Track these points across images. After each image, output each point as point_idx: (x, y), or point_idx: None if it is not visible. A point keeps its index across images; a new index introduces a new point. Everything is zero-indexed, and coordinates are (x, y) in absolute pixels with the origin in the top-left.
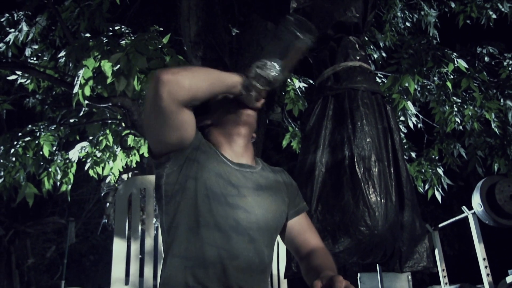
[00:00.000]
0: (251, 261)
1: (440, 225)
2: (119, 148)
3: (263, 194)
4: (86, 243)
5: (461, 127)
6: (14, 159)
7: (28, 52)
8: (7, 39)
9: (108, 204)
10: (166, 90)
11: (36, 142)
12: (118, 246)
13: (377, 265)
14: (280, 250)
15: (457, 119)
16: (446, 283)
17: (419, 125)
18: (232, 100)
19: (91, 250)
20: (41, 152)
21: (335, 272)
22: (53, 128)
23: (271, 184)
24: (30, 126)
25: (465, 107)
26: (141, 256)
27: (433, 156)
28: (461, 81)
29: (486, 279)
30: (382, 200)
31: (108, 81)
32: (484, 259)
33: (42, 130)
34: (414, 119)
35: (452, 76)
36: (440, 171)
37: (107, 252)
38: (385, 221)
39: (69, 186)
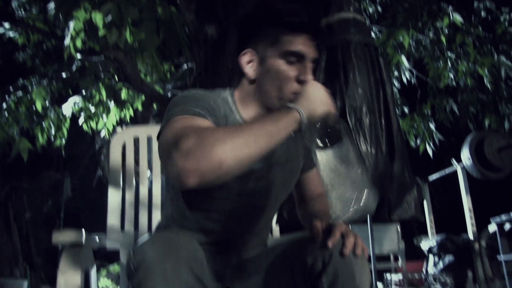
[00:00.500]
0: (254, 233)
1: (430, 178)
2: (113, 102)
3: (286, 169)
4: (82, 198)
5: (454, 83)
6: (6, 114)
7: (14, 4)
8: None
9: (102, 157)
10: (194, 182)
11: (28, 97)
12: (113, 195)
13: (368, 216)
14: None
15: (451, 75)
16: (433, 233)
17: (412, 80)
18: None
19: (87, 204)
20: (33, 107)
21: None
22: (45, 82)
23: (294, 154)
24: (21, 80)
25: (459, 62)
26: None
27: (425, 112)
28: (456, 36)
29: (470, 228)
30: (372, 150)
31: (100, 33)
32: (469, 210)
33: (34, 84)
34: (408, 74)
35: (447, 31)
36: (432, 126)
37: (103, 207)
38: (375, 170)
39: (63, 141)
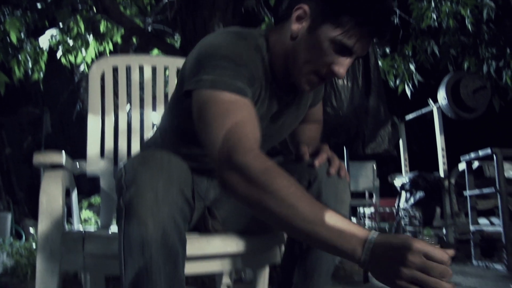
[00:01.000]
0: None
1: (406, 118)
2: (91, 36)
3: (293, 113)
4: (62, 135)
5: (436, 24)
6: None
7: None
8: None
9: (82, 90)
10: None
11: (1, 27)
12: (92, 124)
13: (344, 153)
14: None
15: (434, 15)
16: (406, 171)
17: (395, 21)
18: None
19: (67, 141)
20: (8, 39)
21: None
22: (19, 13)
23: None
24: None
25: (443, 3)
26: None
27: (406, 52)
28: None
29: (441, 166)
30: (349, 84)
31: None
32: (442, 149)
33: (7, 15)
34: None
35: None
36: (412, 67)
37: (84, 142)
38: (351, 104)
39: (41, 74)
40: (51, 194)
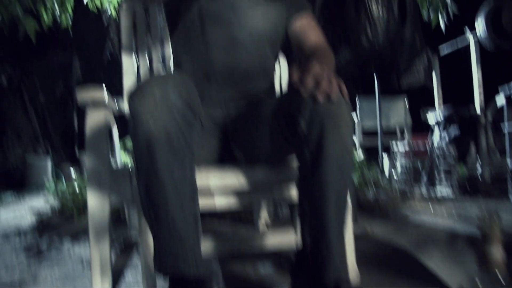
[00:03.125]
0: (250, 68)
1: (440, 50)
2: None
3: (258, 7)
4: (91, 80)
5: None
6: None
7: None
8: None
9: (111, 34)
10: None
11: None
12: (127, 59)
13: (375, 87)
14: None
15: None
16: (440, 106)
17: None
18: None
19: (98, 84)
20: None
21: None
22: None
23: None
24: None
25: None
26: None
27: None
28: None
29: (478, 101)
30: (384, 14)
31: None
32: (479, 82)
33: None
34: None
35: None
36: None
37: (115, 86)
38: (386, 35)
39: (70, 21)
40: (96, 131)
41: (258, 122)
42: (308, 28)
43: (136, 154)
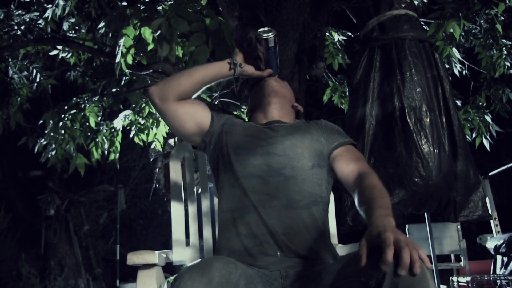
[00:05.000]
0: (291, 198)
1: (490, 174)
2: None
3: (294, 138)
4: (135, 208)
5: (511, 71)
6: (63, 131)
7: (65, 26)
8: (46, 14)
9: (157, 169)
10: (157, 97)
11: (82, 114)
12: (176, 209)
13: (426, 215)
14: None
15: (507, 63)
16: (498, 232)
17: (464, 72)
18: (255, 84)
19: (140, 214)
20: (87, 123)
21: (386, 206)
22: (96, 99)
23: (302, 129)
24: (74, 99)
25: None
26: (198, 218)
27: (480, 103)
28: None
29: None
30: (435, 150)
31: (149, 48)
32: None
33: (86, 102)
34: (459, 66)
35: (502, 18)
36: (488, 118)
37: (155, 216)
38: (439, 171)
39: (117, 155)
40: None
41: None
42: (351, 158)
43: None
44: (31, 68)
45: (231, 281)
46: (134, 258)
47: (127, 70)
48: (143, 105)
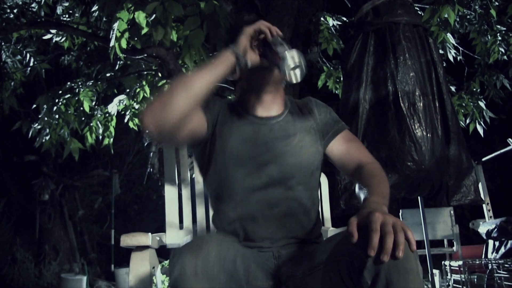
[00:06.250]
0: (291, 207)
1: (484, 159)
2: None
3: (292, 142)
4: (129, 194)
5: (505, 57)
6: (57, 116)
7: (59, 10)
8: None
9: (152, 154)
10: (154, 130)
11: (76, 98)
12: (170, 192)
13: (419, 201)
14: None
15: (501, 49)
16: (490, 217)
17: (458, 58)
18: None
19: (134, 200)
20: (81, 108)
21: (383, 194)
22: (90, 83)
23: (299, 128)
24: (69, 83)
25: (510, 35)
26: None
27: (474, 89)
28: (507, 7)
29: None
30: (428, 135)
31: (143, 32)
32: None
33: (80, 86)
34: (453, 51)
35: (497, 3)
36: (482, 104)
37: (150, 201)
38: (432, 155)
39: (111, 140)
40: (140, 273)
41: (313, 267)
42: (348, 146)
43: None
44: (24, 52)
45: (228, 258)
46: (128, 240)
47: (121, 55)
48: (138, 90)
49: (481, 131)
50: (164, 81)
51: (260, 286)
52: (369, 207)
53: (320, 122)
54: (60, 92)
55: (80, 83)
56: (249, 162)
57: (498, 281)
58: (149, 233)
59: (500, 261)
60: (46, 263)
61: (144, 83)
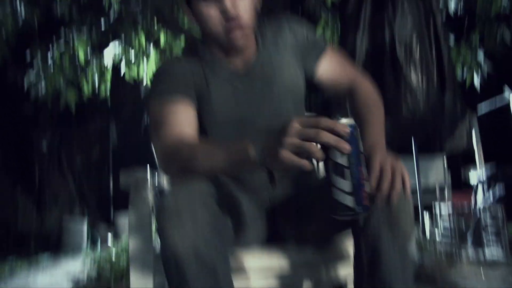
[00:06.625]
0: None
1: (478, 108)
2: (152, 47)
3: (274, 90)
4: (127, 146)
5: (507, 11)
6: (52, 66)
7: None
8: None
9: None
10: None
11: (71, 48)
12: None
13: (413, 147)
14: None
15: (503, 1)
16: (481, 164)
17: (459, 12)
18: None
19: (133, 151)
20: (77, 58)
21: (378, 121)
22: (84, 32)
23: (277, 66)
24: (63, 32)
25: None
26: None
27: (473, 41)
28: None
29: None
30: (424, 82)
31: None
32: None
33: (74, 35)
34: (454, 1)
35: None
36: (481, 55)
37: (148, 153)
38: (427, 102)
39: (108, 92)
40: (139, 213)
41: (306, 201)
42: (335, 67)
43: (167, 273)
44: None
45: (211, 199)
46: (125, 178)
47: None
48: (133, 36)
49: (477, 84)
50: (160, 28)
51: (252, 217)
52: (368, 144)
53: (301, 52)
54: (55, 40)
55: (74, 31)
56: (236, 125)
57: (484, 226)
58: (147, 167)
59: (485, 205)
60: (47, 210)
61: (139, 28)
